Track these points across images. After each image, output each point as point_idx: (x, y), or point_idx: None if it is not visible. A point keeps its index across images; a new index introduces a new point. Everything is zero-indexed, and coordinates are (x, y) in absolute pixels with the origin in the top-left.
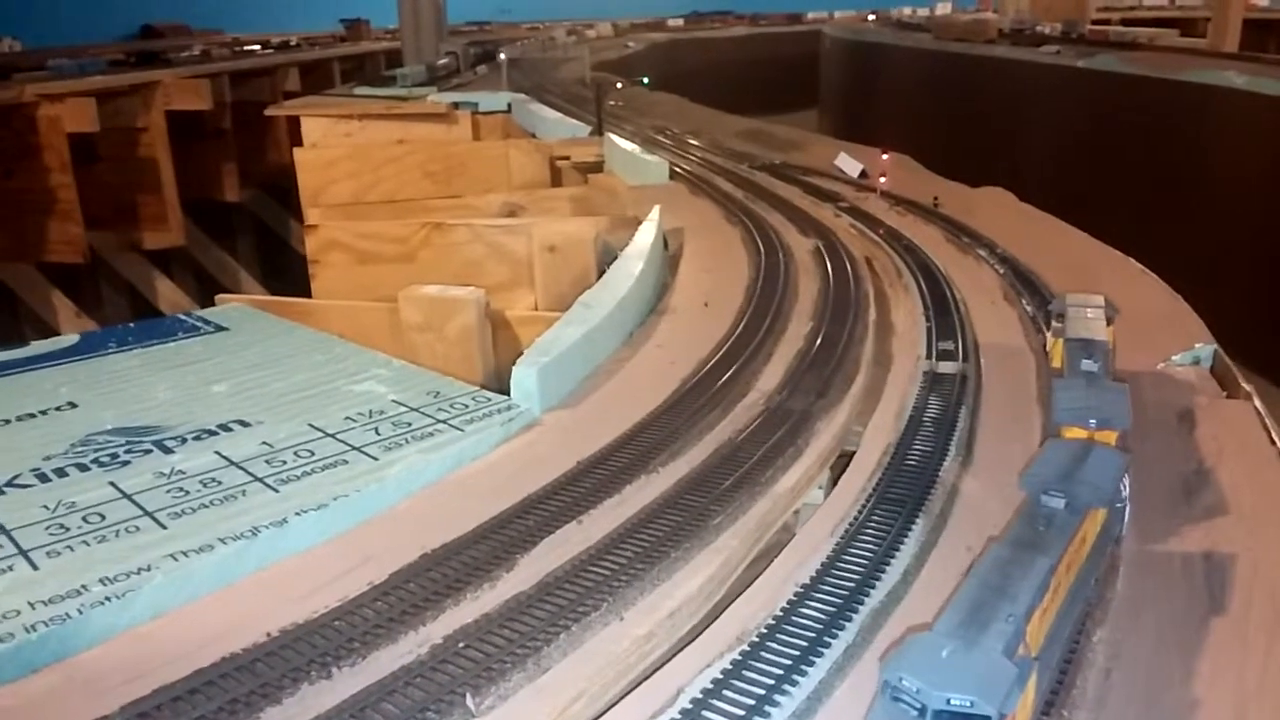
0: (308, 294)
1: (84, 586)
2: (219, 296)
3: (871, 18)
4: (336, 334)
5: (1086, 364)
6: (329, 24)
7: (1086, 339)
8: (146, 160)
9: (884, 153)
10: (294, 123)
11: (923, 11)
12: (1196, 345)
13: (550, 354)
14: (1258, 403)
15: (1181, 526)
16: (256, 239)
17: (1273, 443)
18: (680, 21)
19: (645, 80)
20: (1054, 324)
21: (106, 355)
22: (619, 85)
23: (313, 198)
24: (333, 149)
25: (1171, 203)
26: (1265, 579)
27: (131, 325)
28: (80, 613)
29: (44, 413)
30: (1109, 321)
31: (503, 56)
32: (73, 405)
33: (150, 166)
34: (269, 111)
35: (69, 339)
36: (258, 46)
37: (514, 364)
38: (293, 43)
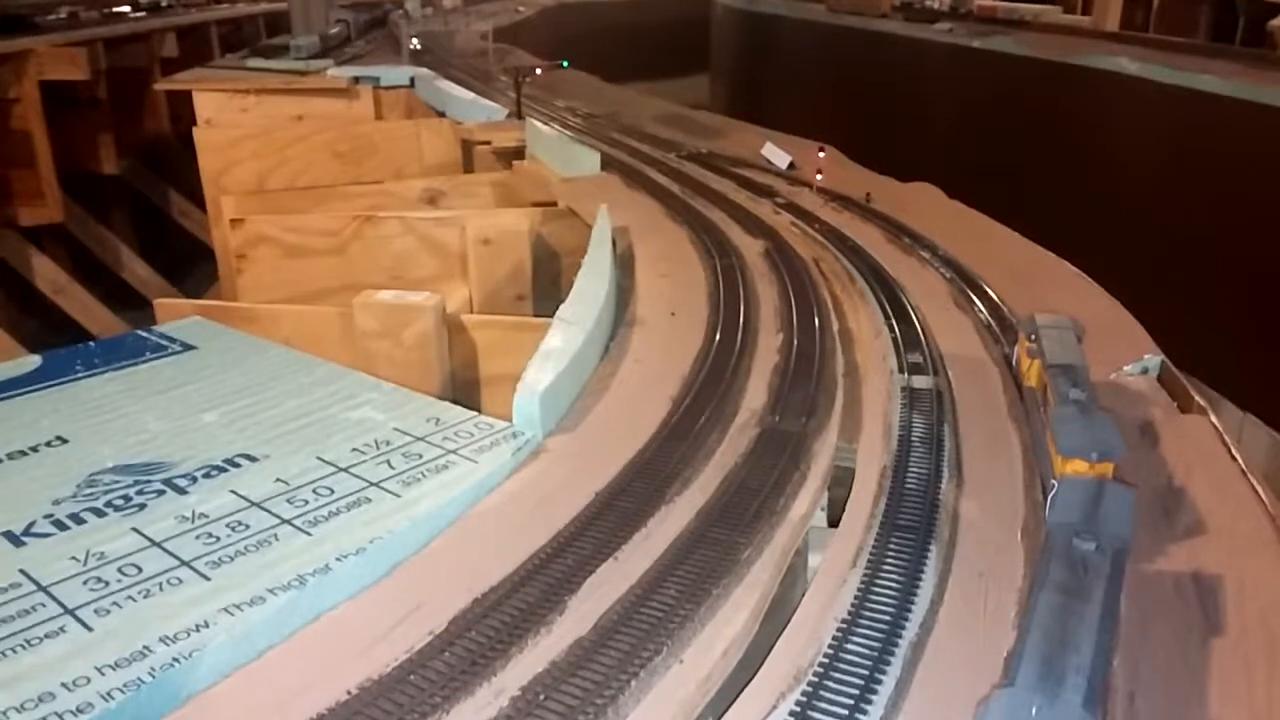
0: (202, 274)
1: (147, 648)
2: (159, 302)
3: None
4: (285, 340)
5: (1075, 393)
6: None
7: (1067, 364)
8: (19, 133)
9: (820, 149)
10: (176, 92)
11: None
12: (1145, 356)
13: (548, 377)
14: (1213, 417)
15: (1167, 546)
16: (134, 212)
17: (1234, 459)
18: None
19: (565, 64)
20: (1028, 344)
21: (79, 380)
22: (538, 70)
23: (215, 179)
24: (235, 128)
25: (1068, 189)
26: (1253, 599)
27: (94, 344)
28: (152, 676)
29: (34, 449)
30: (1079, 340)
31: (415, 44)
32: (63, 440)
33: (24, 140)
34: (159, 86)
35: (31, 361)
36: (127, 8)
37: (468, 373)
38: (164, 3)
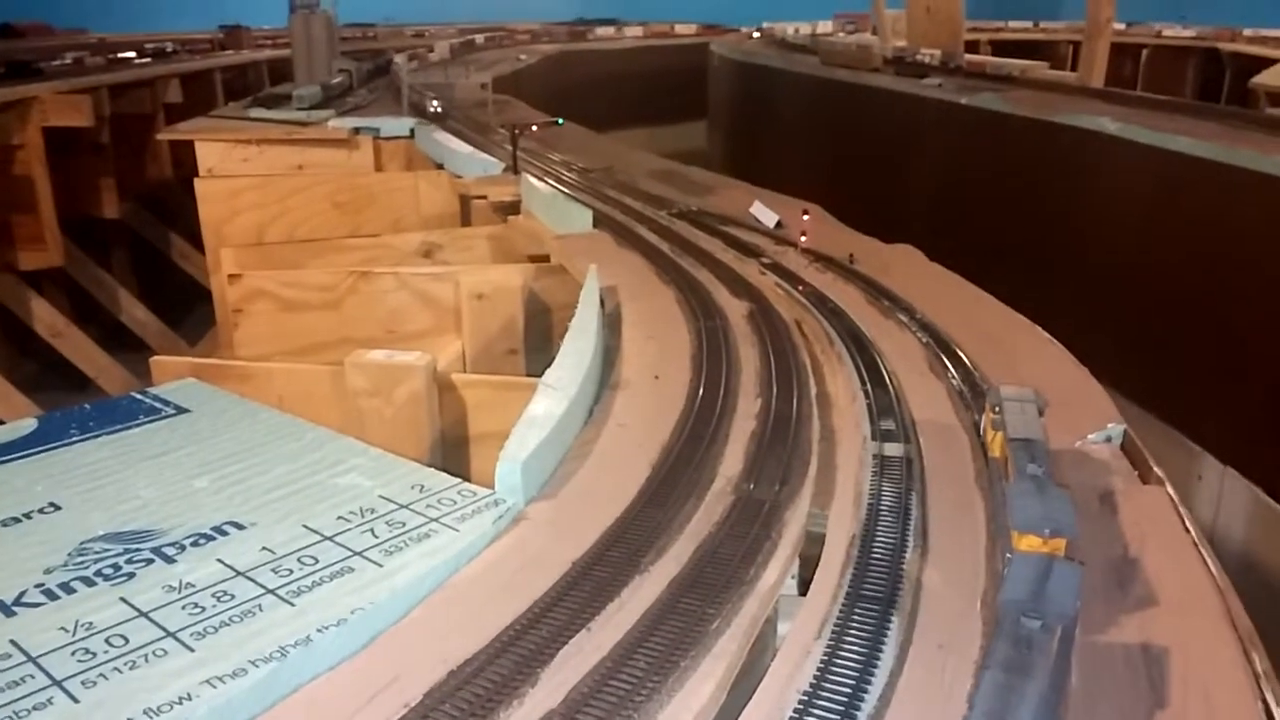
0: (200, 316)
1: None
2: (154, 360)
3: (756, 34)
4: (277, 397)
5: (1032, 468)
6: (198, 23)
7: (1027, 439)
8: (21, 179)
9: (805, 212)
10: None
11: (805, 28)
12: (1109, 425)
13: (531, 445)
14: (1169, 489)
15: (1119, 616)
16: (134, 254)
17: (1187, 531)
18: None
19: (560, 121)
20: (992, 415)
21: (73, 444)
22: (534, 127)
23: (215, 229)
24: (236, 178)
25: (1049, 249)
26: (1196, 673)
27: (89, 407)
28: None
29: (28, 516)
30: (1040, 413)
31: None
32: (56, 507)
33: (26, 185)
34: (161, 136)
35: (27, 425)
36: (132, 54)
37: (458, 430)
38: (169, 49)
